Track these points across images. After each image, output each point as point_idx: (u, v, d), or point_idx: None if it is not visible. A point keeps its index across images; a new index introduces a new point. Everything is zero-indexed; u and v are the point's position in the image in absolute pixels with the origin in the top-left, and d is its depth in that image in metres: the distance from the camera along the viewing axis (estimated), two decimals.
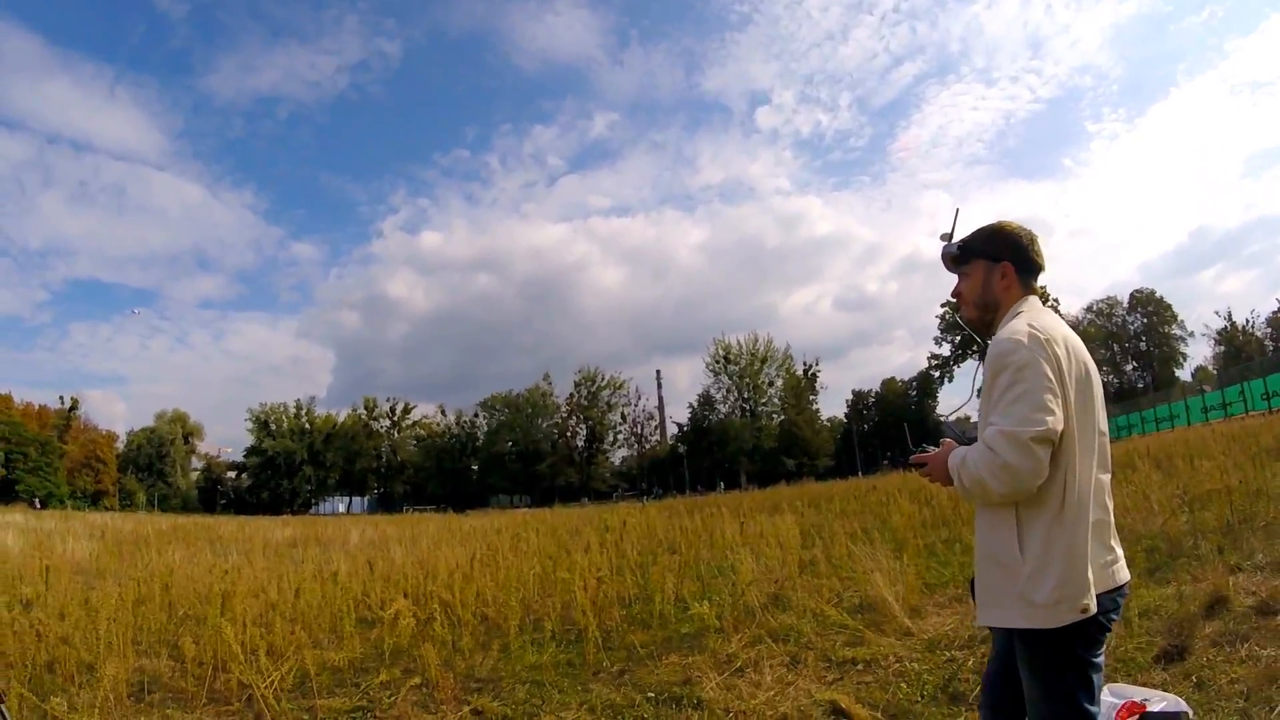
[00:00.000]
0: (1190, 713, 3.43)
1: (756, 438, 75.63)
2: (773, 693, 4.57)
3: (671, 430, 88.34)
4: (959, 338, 72.55)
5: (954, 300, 2.60)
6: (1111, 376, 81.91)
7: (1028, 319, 2.27)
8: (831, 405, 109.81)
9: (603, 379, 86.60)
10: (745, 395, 79.73)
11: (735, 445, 75.49)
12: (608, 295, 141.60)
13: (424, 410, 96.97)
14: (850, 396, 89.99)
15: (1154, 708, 3.40)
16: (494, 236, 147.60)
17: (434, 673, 5.34)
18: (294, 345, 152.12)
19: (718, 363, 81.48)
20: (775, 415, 79.44)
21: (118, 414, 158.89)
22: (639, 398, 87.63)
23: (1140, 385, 77.86)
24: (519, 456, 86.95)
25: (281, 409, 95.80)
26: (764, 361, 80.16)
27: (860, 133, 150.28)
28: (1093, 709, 2.18)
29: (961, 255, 2.52)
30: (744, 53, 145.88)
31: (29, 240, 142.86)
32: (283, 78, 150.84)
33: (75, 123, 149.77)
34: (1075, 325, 79.78)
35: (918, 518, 11.28)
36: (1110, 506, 2.29)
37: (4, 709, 2.53)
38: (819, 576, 7.40)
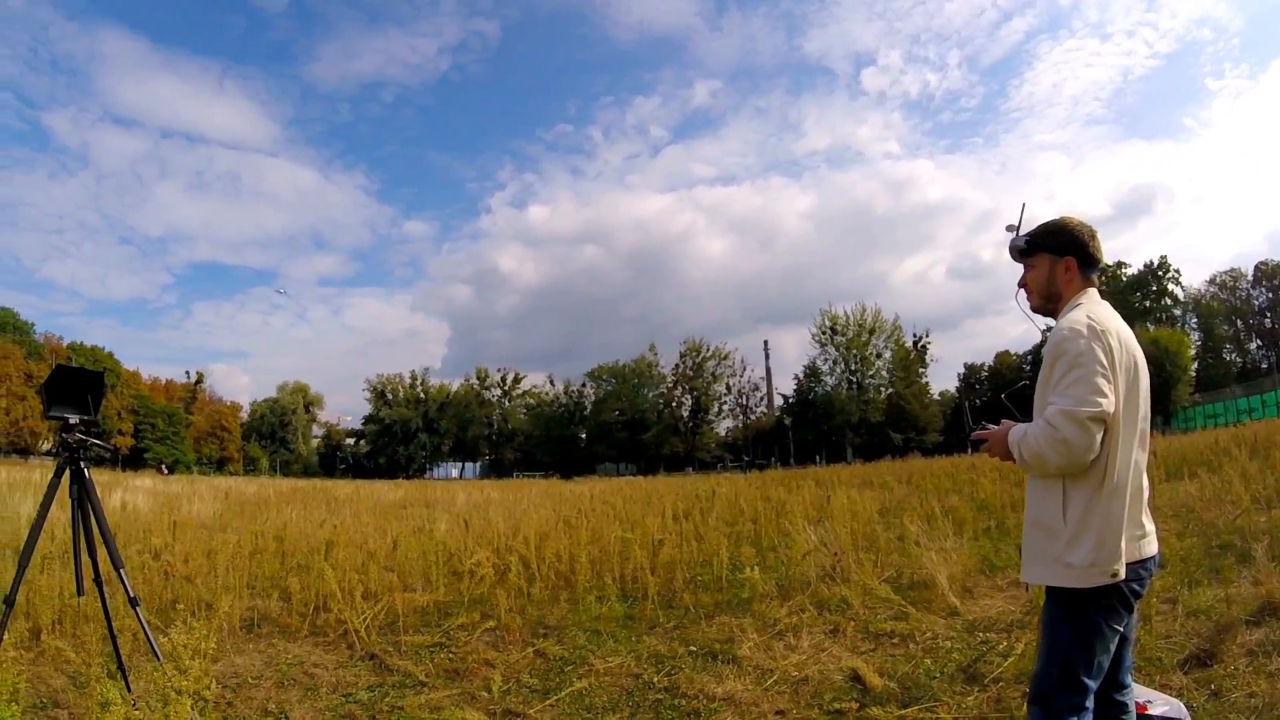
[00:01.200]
0: None
1: (863, 411, 73.32)
2: (804, 657, 4.85)
3: (778, 402, 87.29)
4: None
5: (1020, 289, 2.79)
6: (1234, 355, 76.36)
7: (1086, 310, 2.47)
8: (942, 378, 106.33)
9: (708, 349, 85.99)
10: (852, 367, 77.03)
11: (841, 418, 73.60)
12: (713, 265, 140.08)
13: (533, 380, 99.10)
14: (962, 370, 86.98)
15: (1154, 711, 3.39)
16: (599, 209, 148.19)
17: (505, 617, 5.91)
18: (408, 319, 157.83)
19: (824, 334, 79.00)
20: (882, 388, 76.55)
21: (242, 386, 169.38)
22: (744, 368, 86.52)
23: (1265, 365, 71.77)
24: (625, 425, 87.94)
25: (397, 379, 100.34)
26: (872, 333, 77.16)
27: (971, 92, 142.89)
28: (1086, 680, 2.36)
29: (1028, 248, 2.70)
30: (845, 13, 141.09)
31: (150, 228, 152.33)
32: (385, 62, 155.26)
33: (187, 116, 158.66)
34: (1197, 299, 73.85)
35: (1006, 497, 11.21)
36: (1145, 484, 2.51)
37: (139, 613, 3.13)
38: (879, 552, 7.57)
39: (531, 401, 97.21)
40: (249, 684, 4.73)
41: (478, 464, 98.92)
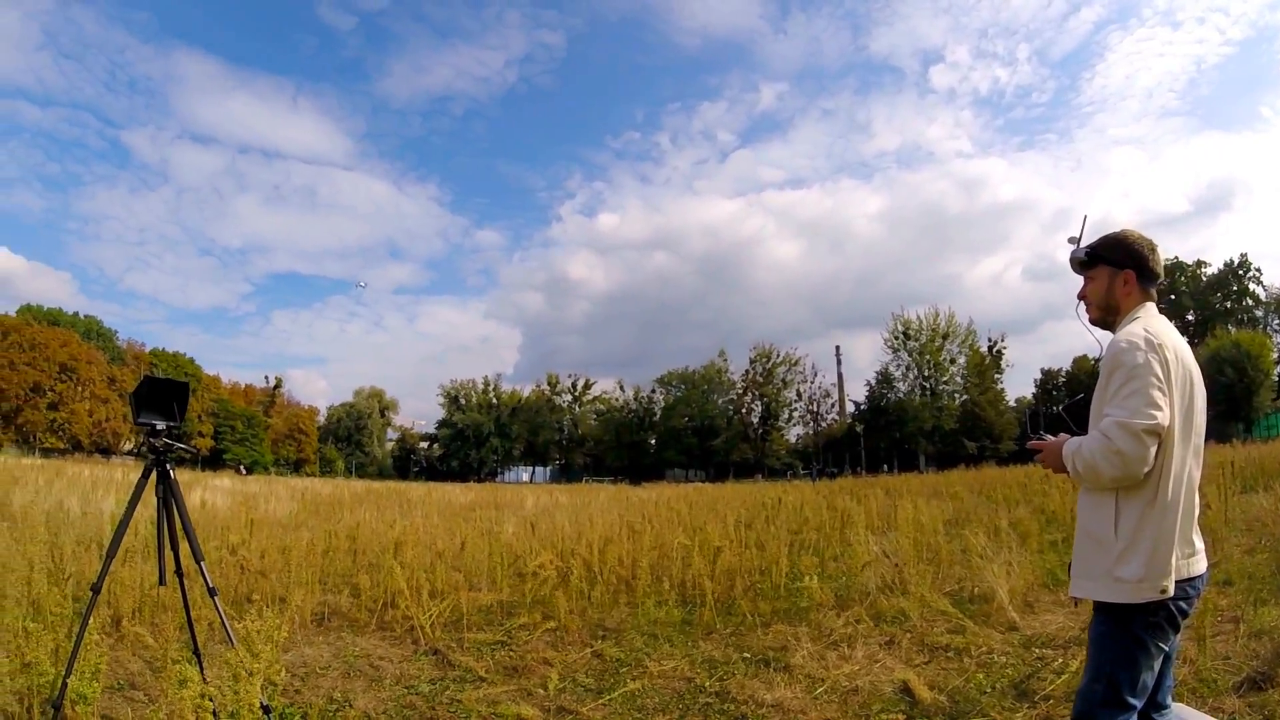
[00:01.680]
0: None
1: (936, 418, 71.00)
2: (857, 667, 4.86)
3: (850, 409, 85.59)
4: None
5: (1079, 300, 2.77)
6: None
7: (1144, 324, 2.47)
8: (1018, 384, 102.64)
9: (778, 355, 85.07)
10: (925, 373, 74.69)
11: (914, 426, 71.43)
12: (784, 269, 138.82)
13: (603, 385, 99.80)
14: (1039, 375, 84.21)
15: None
16: (668, 215, 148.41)
17: (565, 619, 6.07)
18: (482, 325, 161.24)
19: (896, 339, 76.72)
20: (956, 395, 74.04)
21: (319, 391, 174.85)
22: (815, 374, 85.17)
23: None
24: (694, 431, 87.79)
25: (470, 385, 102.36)
26: (945, 337, 74.53)
27: (1042, 87, 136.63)
28: (1131, 699, 2.35)
29: (1088, 260, 2.70)
30: (911, 10, 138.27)
31: (230, 240, 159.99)
32: (454, 76, 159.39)
33: (263, 133, 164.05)
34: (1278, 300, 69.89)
35: (1074, 510, 10.92)
36: (1197, 502, 2.49)
37: (217, 602, 3.37)
38: (941, 564, 7.49)
39: (601, 407, 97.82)
40: (317, 673, 4.98)
41: (548, 468, 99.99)
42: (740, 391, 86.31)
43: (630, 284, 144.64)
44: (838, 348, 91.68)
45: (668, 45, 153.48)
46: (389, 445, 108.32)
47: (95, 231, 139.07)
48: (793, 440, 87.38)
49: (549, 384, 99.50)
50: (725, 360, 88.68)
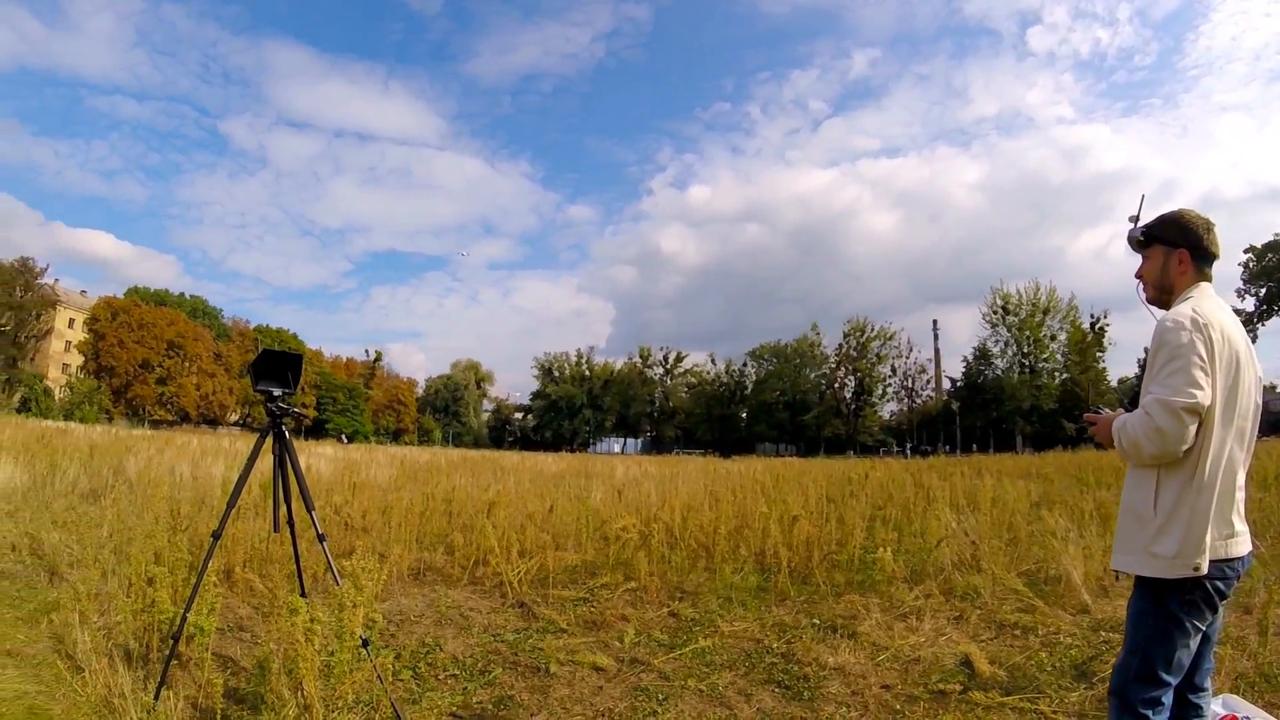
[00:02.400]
0: None
1: (1035, 397, 67.62)
2: (923, 639, 4.97)
3: (946, 385, 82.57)
4: (1264, 289, 59.88)
5: (1137, 280, 2.78)
6: None
7: (1193, 304, 2.48)
8: (1121, 363, 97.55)
9: (872, 329, 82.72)
10: (1024, 350, 71.09)
11: (1011, 404, 68.45)
12: (879, 241, 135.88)
13: (695, 359, 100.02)
14: (1143, 354, 79.63)
15: (1216, 707, 3.29)
16: (760, 186, 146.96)
17: (645, 580, 6.38)
18: (575, 299, 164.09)
19: (995, 313, 73.09)
20: (1056, 373, 70.02)
21: (417, 364, 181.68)
22: (911, 349, 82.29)
23: None
24: (786, 406, 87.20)
25: (564, 357, 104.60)
26: (1046, 313, 70.43)
27: (1145, 49, 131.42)
28: (1165, 675, 2.40)
29: (1144, 240, 2.72)
30: None
31: (329, 221, 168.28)
32: (541, 54, 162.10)
33: (357, 116, 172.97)
34: None
35: None
36: (1240, 484, 2.48)
37: (325, 547, 3.77)
38: (1020, 544, 7.46)
39: (693, 380, 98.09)
40: (411, 620, 5.43)
41: (639, 440, 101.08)
42: (833, 366, 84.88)
43: (722, 257, 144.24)
44: (934, 322, 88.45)
45: (755, 14, 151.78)
46: (485, 416, 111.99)
47: (198, 216, 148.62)
48: (886, 417, 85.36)
49: (641, 357, 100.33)
50: (819, 334, 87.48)
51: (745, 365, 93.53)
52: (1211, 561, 2.34)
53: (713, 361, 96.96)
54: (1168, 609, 2.38)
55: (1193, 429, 2.31)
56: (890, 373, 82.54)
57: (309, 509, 3.79)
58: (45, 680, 3.80)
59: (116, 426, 42.79)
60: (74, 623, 4.28)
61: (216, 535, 3.70)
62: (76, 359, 75.22)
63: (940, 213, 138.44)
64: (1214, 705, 3.27)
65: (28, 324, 71.68)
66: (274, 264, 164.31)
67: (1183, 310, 2.44)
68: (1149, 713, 2.40)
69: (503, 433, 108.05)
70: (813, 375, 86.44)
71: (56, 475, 10.93)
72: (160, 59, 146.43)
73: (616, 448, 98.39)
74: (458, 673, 4.38)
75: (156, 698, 3.34)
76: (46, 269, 74.17)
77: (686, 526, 7.98)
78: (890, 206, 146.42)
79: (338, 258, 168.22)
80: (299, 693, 2.89)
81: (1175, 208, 2.68)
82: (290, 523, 3.97)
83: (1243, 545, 2.45)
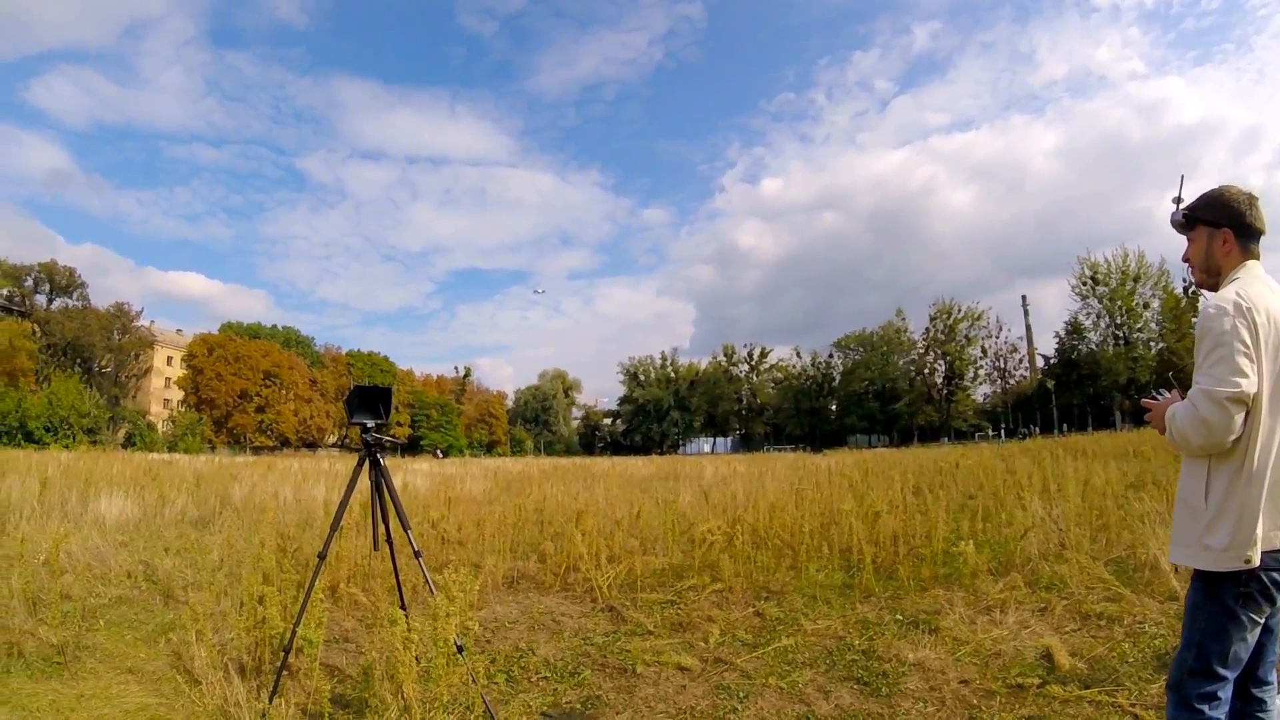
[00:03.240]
0: None
1: (1131, 370, 63.72)
2: (1005, 632, 4.97)
3: (1041, 364, 79.27)
4: None
5: (1184, 263, 2.71)
6: None
7: (1237, 287, 2.40)
8: None
9: (959, 310, 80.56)
10: (1118, 321, 67.27)
11: (1108, 379, 64.92)
12: (960, 218, 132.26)
13: (780, 353, 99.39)
14: None
15: None
16: (833, 173, 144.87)
17: (730, 580, 6.54)
18: (655, 302, 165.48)
19: (1084, 285, 69.34)
20: (1153, 343, 65.90)
21: (506, 376, 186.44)
22: (1000, 328, 79.67)
23: None
24: (875, 395, 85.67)
25: (649, 361, 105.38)
26: (1137, 280, 66.32)
27: None
28: (1221, 669, 2.35)
29: (1187, 222, 2.64)
30: None
31: (410, 245, 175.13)
32: (601, 63, 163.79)
33: (428, 142, 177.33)
34: None
35: None
36: None
37: (421, 562, 4.07)
38: (1110, 530, 7.31)
39: (779, 375, 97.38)
40: (505, 627, 5.74)
41: (729, 439, 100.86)
42: (921, 351, 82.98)
43: (800, 247, 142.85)
44: (1024, 298, 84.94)
45: None
46: (574, 423, 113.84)
47: (284, 250, 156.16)
48: (980, 400, 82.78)
49: (725, 355, 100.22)
50: (904, 319, 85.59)
51: (831, 356, 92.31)
52: (1266, 553, 2.30)
53: (798, 355, 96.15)
54: (1222, 602, 2.34)
55: (1239, 418, 2.27)
56: (981, 354, 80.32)
57: (405, 528, 4.10)
58: (165, 694, 4.24)
59: (219, 455, 45.11)
60: (191, 640, 4.73)
61: (322, 556, 4.05)
62: (176, 394, 79.77)
63: (1019, 183, 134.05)
64: None
65: (127, 364, 75.88)
66: (360, 290, 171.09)
67: (1226, 294, 2.38)
68: (1204, 708, 2.36)
69: (593, 439, 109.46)
70: (901, 362, 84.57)
71: (166, 505, 11.67)
72: (231, 105, 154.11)
73: (706, 448, 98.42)
74: (549, 675, 4.64)
75: (270, 703, 3.69)
76: (141, 311, 78.81)
77: (771, 526, 8.07)
78: (967, 181, 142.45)
79: (421, 279, 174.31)
80: (399, 696, 3.19)
81: (1217, 186, 2.60)
82: (389, 540, 4.29)
83: None
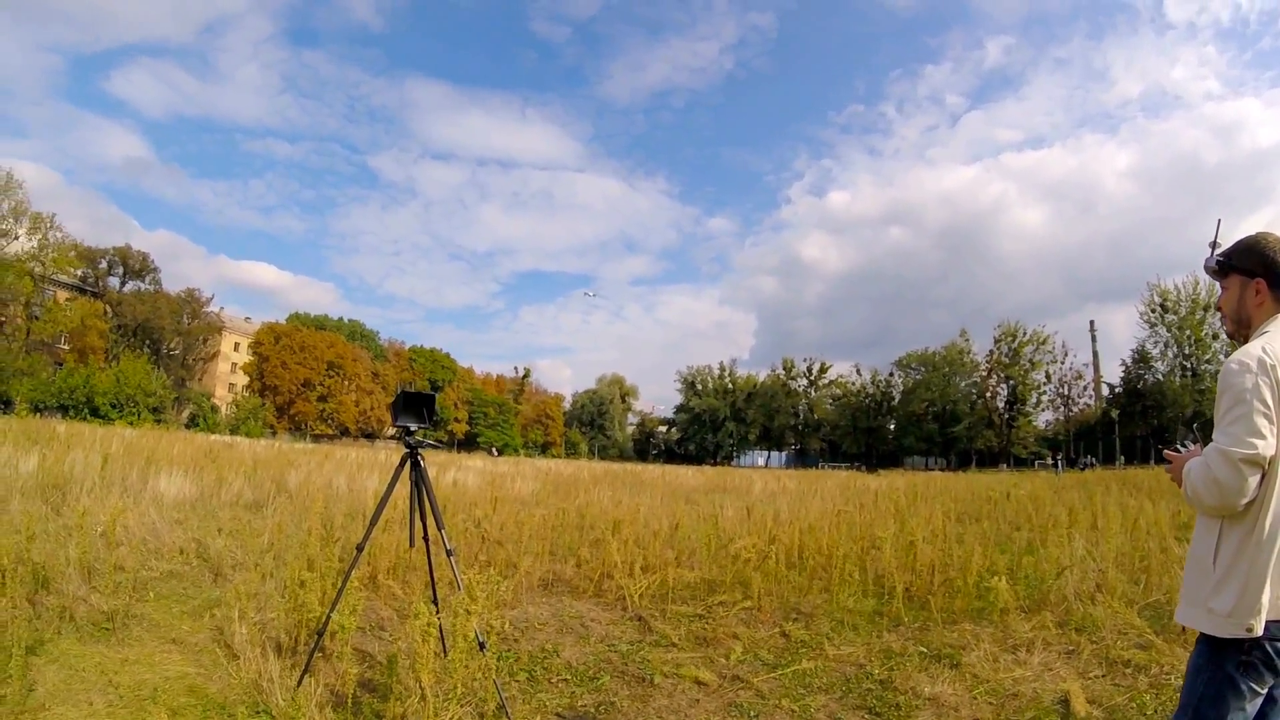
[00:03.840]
0: None
1: (1198, 402, 60.80)
2: (1028, 673, 4.93)
3: (1106, 392, 76.65)
4: None
5: (1217, 311, 2.64)
6: None
7: (1265, 341, 2.30)
8: None
9: (1024, 333, 78.46)
10: (1186, 350, 64.98)
11: (1174, 411, 62.51)
12: (1030, 238, 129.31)
13: (840, 369, 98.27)
14: None
15: None
16: (902, 187, 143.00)
17: (759, 599, 6.60)
18: (717, 311, 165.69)
19: (1153, 312, 67.01)
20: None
21: (565, 379, 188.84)
22: (1066, 354, 76.99)
23: None
24: (935, 417, 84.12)
25: (707, 370, 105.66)
26: (1207, 310, 64.06)
27: None
28: None
29: (1220, 270, 2.54)
30: None
31: (477, 245, 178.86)
32: (671, 70, 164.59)
33: (498, 145, 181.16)
34: None
35: None
36: None
37: (452, 561, 4.26)
38: (1151, 572, 7.16)
39: (838, 391, 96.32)
40: (535, 627, 5.91)
41: (784, 453, 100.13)
42: (984, 374, 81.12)
43: (866, 263, 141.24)
44: (1091, 323, 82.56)
45: (881, 10, 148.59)
46: (629, 429, 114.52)
47: (354, 245, 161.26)
48: (1042, 427, 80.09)
49: (784, 368, 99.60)
50: (967, 340, 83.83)
51: (892, 374, 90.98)
52: (1273, 621, 2.21)
53: (858, 372, 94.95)
54: (1223, 669, 2.26)
55: (1253, 481, 2.18)
56: (1045, 379, 78.02)
57: (439, 526, 4.30)
58: (204, 665, 4.53)
59: (279, 441, 46.52)
60: (233, 617, 5.01)
61: (360, 548, 4.28)
62: (241, 379, 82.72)
63: (1091, 204, 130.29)
64: None
65: (195, 348, 79.04)
66: (426, 287, 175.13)
67: (1250, 350, 2.28)
68: None
69: (647, 446, 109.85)
70: (963, 384, 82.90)
71: (222, 487, 12.18)
72: (307, 102, 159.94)
73: (760, 461, 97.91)
74: (569, 677, 4.80)
75: (299, 683, 3.95)
76: (212, 298, 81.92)
77: (805, 547, 8.10)
78: (1038, 200, 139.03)
79: (486, 279, 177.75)
80: (418, 684, 3.40)
81: (1255, 232, 2.49)
82: (425, 538, 4.51)
83: None
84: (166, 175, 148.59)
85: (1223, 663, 2.26)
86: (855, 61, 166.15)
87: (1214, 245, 2.63)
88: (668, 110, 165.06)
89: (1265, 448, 2.17)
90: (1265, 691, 2.29)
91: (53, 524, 7.54)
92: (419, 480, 4.32)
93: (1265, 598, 2.19)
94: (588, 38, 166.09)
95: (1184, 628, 2.55)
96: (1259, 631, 2.19)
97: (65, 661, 4.36)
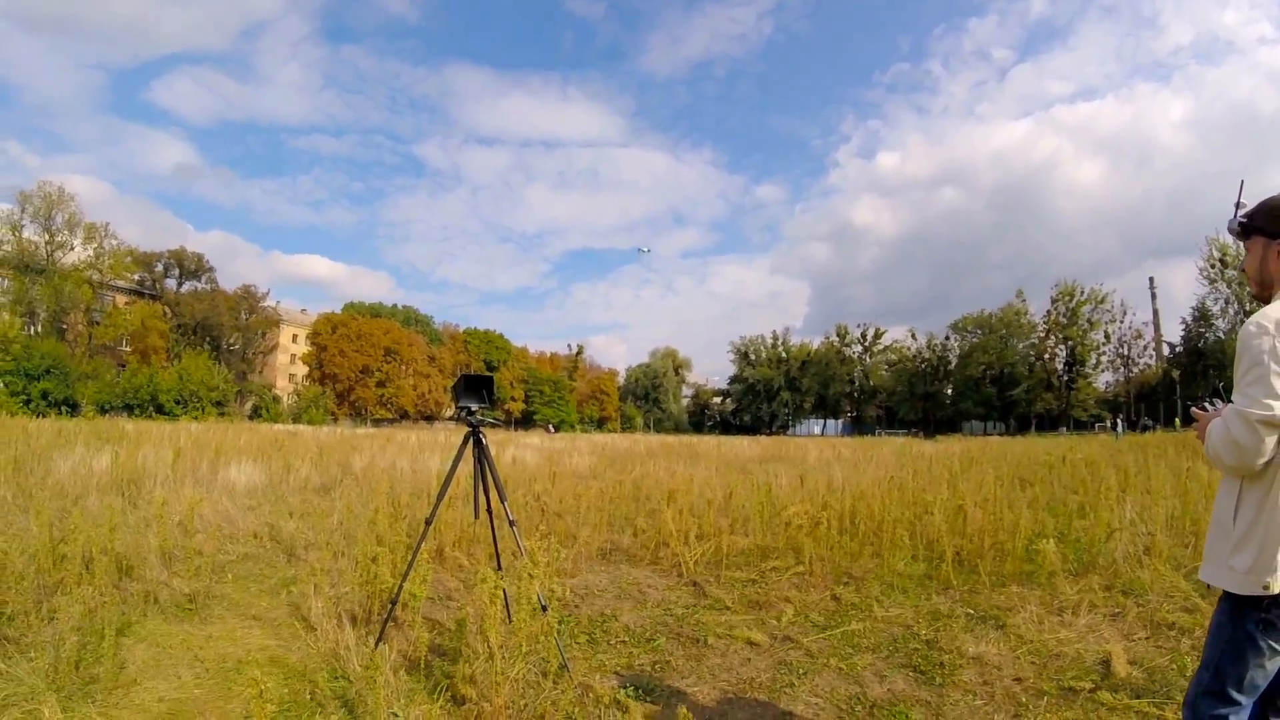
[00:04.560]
0: None
1: None
2: (1073, 634, 5.04)
3: (1166, 351, 73.67)
4: None
5: (1242, 273, 2.61)
6: None
7: None
8: None
9: (1082, 293, 76.48)
10: (1247, 307, 59.65)
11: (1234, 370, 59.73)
12: (1085, 195, 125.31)
13: (894, 334, 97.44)
14: None
15: None
16: (952, 146, 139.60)
17: (810, 564, 6.81)
18: (769, 281, 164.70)
19: (1213, 267, 64.27)
20: None
21: (619, 354, 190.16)
22: (1125, 312, 75.22)
23: None
24: (993, 381, 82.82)
25: (759, 340, 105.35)
26: None
27: None
28: (1235, 694, 2.32)
29: (1243, 231, 2.53)
30: None
31: (526, 226, 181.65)
32: (710, 40, 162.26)
33: (541, 126, 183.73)
34: None
35: None
36: None
37: (515, 531, 4.55)
38: (1200, 536, 7.14)
39: (893, 357, 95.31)
40: (595, 594, 6.23)
41: (840, 421, 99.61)
42: (1042, 335, 79.26)
43: (919, 225, 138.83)
44: (1151, 280, 78.68)
45: None
46: (684, 401, 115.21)
47: (404, 234, 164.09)
48: (1102, 388, 78.08)
49: (838, 335, 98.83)
50: (1024, 301, 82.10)
51: (948, 339, 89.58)
52: None
53: (913, 337, 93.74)
54: (1244, 627, 2.30)
55: (1271, 441, 2.20)
56: (1104, 340, 76.24)
57: (502, 499, 4.60)
58: (284, 637, 4.91)
59: (341, 427, 47.87)
60: (309, 593, 5.43)
61: (428, 521, 4.60)
62: (301, 369, 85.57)
63: (1148, 157, 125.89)
64: None
65: (254, 342, 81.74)
66: (478, 271, 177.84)
67: (1269, 312, 2.30)
68: None
69: (702, 418, 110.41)
70: (1020, 346, 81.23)
71: (290, 474, 12.79)
72: (349, 97, 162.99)
73: (816, 430, 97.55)
74: (627, 639, 5.09)
75: (374, 649, 4.24)
76: (268, 293, 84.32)
77: (857, 513, 8.25)
78: (1093, 155, 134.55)
79: (537, 260, 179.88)
80: (486, 644, 3.70)
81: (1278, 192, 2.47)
82: (489, 510, 4.82)
83: None
84: (216, 178, 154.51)
85: (1243, 620, 2.30)
86: (897, 19, 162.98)
87: (1238, 205, 2.60)
88: (710, 80, 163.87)
89: None
90: None
91: (131, 516, 8.04)
92: (481, 456, 4.62)
93: None
94: (624, 13, 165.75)
95: (1208, 586, 2.61)
96: (1276, 589, 2.22)
97: (153, 640, 4.72)
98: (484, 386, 4.69)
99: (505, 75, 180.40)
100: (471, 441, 4.60)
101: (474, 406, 4.60)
